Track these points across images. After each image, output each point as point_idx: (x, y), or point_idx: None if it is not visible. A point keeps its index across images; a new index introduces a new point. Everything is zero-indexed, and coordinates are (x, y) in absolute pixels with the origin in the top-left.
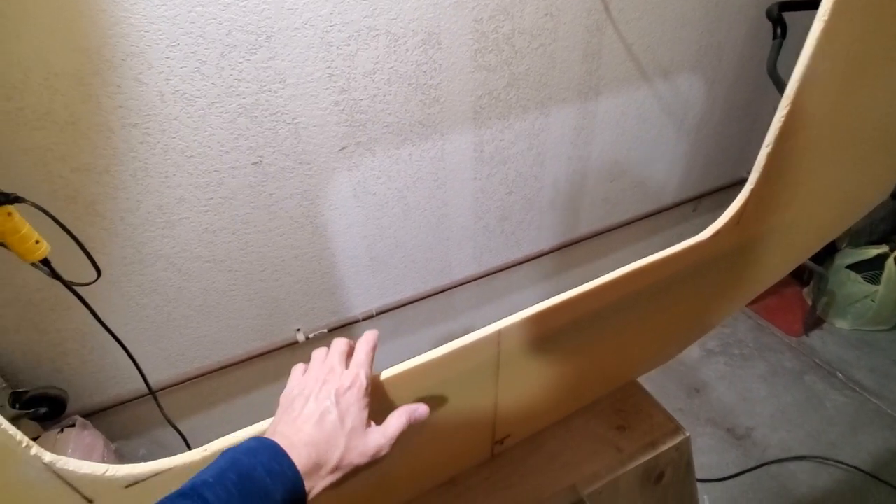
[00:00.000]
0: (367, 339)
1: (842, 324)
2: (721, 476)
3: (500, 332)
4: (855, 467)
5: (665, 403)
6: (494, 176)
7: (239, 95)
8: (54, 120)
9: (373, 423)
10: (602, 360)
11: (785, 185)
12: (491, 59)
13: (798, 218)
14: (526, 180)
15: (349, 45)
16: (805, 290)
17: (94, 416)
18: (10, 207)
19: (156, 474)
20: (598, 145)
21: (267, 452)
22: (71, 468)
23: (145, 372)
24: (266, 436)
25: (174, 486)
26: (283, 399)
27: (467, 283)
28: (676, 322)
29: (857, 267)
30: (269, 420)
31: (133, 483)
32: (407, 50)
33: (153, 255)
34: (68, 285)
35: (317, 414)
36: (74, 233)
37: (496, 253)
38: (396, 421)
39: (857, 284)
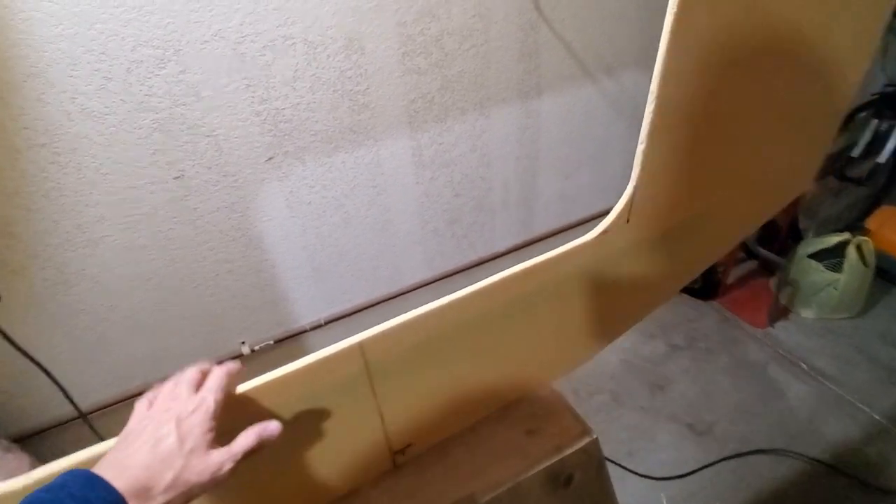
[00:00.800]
0: (224, 366)
1: (807, 313)
2: (679, 473)
3: (361, 344)
4: (814, 458)
5: (628, 402)
6: (438, 179)
7: (151, 111)
8: None
9: (219, 446)
10: (503, 365)
11: (674, 182)
12: (420, 62)
13: (712, 211)
14: (473, 182)
15: (264, 55)
16: (771, 281)
17: (26, 440)
18: None
19: None
20: (546, 143)
21: (77, 482)
22: None
23: (82, 393)
24: (93, 467)
25: None
26: (122, 433)
27: (420, 287)
28: (584, 322)
29: (819, 255)
30: (102, 445)
31: None
32: (328, 56)
33: (76, 274)
34: None
35: (153, 439)
36: None
37: (448, 257)
38: (244, 440)
39: (819, 273)
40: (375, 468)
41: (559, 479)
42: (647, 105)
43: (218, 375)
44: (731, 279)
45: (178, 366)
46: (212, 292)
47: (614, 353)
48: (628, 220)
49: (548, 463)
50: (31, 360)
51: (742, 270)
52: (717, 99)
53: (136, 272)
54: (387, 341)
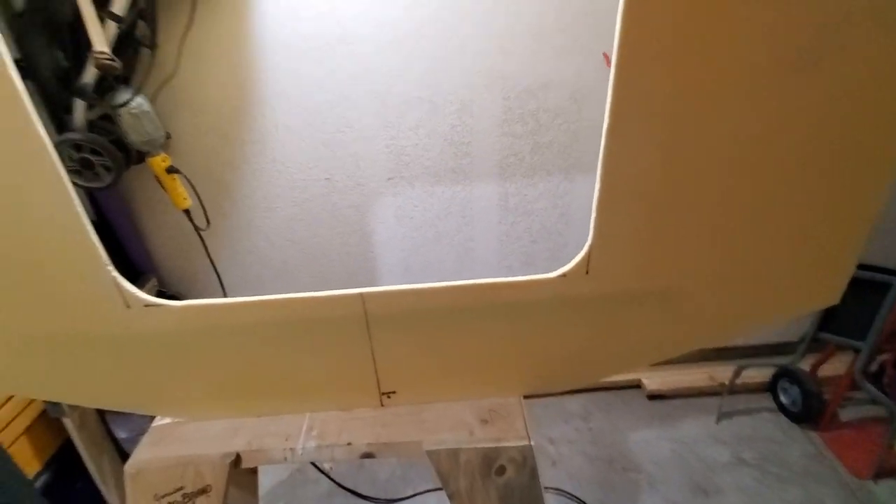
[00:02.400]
0: None
1: None
2: None
3: (362, 295)
4: None
5: (662, 491)
6: (519, 224)
7: (322, 133)
8: (245, 140)
9: None
10: (477, 360)
11: (630, 248)
12: (517, 128)
13: (686, 290)
14: (550, 234)
15: (400, 107)
16: (890, 430)
17: None
18: (175, 175)
19: (159, 305)
20: None
21: None
22: (128, 287)
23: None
24: None
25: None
26: None
27: None
28: (546, 352)
29: None
30: None
31: (149, 305)
32: (444, 114)
33: (256, 229)
34: (196, 228)
35: None
36: (209, 203)
37: None
38: None
39: None
40: (367, 399)
41: (493, 465)
42: (597, 176)
43: None
44: (846, 412)
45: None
46: (332, 263)
47: (667, 440)
48: (587, 272)
49: (485, 445)
50: (219, 277)
51: (861, 405)
52: (673, 170)
53: (290, 237)
54: (386, 299)
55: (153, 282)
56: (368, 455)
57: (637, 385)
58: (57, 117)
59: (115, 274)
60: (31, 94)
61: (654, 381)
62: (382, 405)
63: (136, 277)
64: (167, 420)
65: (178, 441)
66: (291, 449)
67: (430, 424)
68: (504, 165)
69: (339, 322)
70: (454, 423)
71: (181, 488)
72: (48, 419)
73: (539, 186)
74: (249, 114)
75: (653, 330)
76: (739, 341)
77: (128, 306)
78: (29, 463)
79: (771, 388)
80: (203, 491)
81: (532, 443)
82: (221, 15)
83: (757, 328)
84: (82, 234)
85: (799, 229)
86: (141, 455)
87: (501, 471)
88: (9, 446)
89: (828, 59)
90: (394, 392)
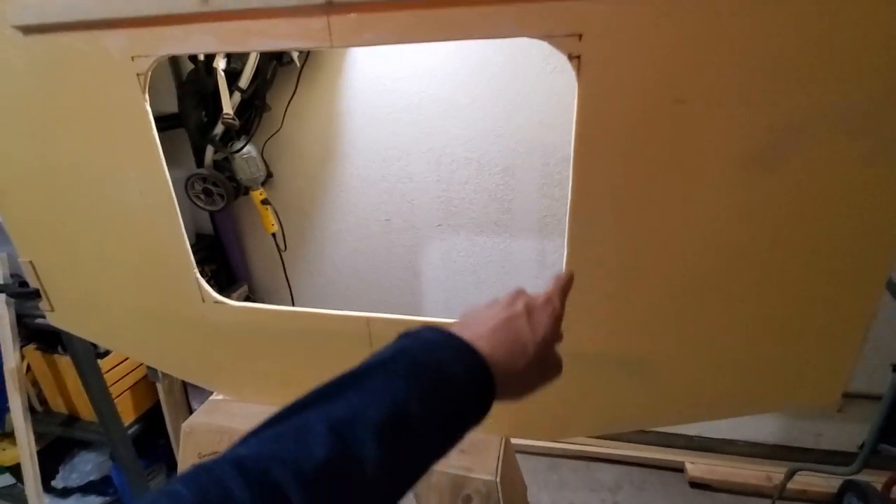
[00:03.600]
0: (562, 275)
1: None
2: None
3: (368, 319)
4: None
5: None
6: None
7: (386, 181)
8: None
9: None
10: None
11: (598, 313)
12: (555, 191)
13: (660, 362)
14: None
15: (451, 165)
16: None
17: None
18: (268, 206)
19: (223, 303)
20: None
21: (450, 348)
22: (204, 286)
23: None
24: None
25: (244, 317)
26: (462, 312)
27: None
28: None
29: None
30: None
31: (217, 301)
32: (490, 174)
33: (327, 256)
34: (278, 246)
35: (504, 315)
36: (293, 232)
37: None
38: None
39: None
40: None
41: (460, 493)
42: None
43: (561, 283)
44: None
45: None
46: (385, 294)
47: None
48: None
49: (455, 472)
50: (290, 293)
51: None
52: (636, 248)
53: (352, 266)
54: (388, 325)
55: (244, 288)
56: None
57: (679, 468)
58: (197, 157)
59: (198, 275)
60: (182, 140)
61: (699, 466)
62: None
63: (232, 283)
64: (220, 396)
65: (224, 414)
66: None
67: None
68: (542, 224)
69: (349, 338)
70: None
71: (216, 452)
72: (147, 382)
73: None
74: (331, 162)
75: (627, 396)
76: (808, 442)
77: (203, 300)
78: (127, 414)
79: (836, 502)
80: None
81: (498, 479)
82: (318, 88)
83: (750, 412)
84: (181, 244)
85: (776, 321)
86: (195, 419)
87: (468, 500)
88: (116, 397)
89: (793, 160)
90: None
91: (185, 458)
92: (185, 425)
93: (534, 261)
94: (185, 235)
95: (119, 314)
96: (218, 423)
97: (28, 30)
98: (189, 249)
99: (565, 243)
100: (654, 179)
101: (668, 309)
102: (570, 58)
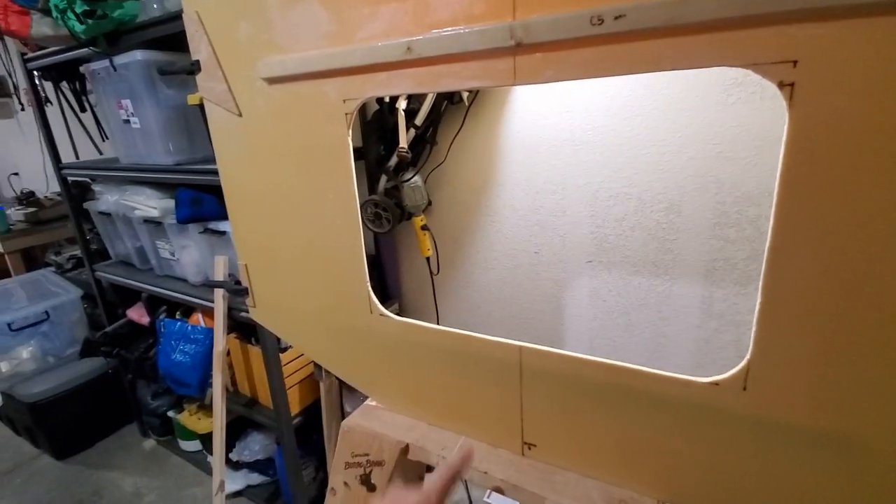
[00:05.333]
0: (454, 458)
1: None
2: None
3: (521, 348)
4: None
5: None
6: (723, 333)
7: (538, 214)
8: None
9: None
10: (617, 444)
11: (799, 375)
12: (730, 233)
13: (872, 444)
14: None
15: (608, 201)
16: None
17: None
18: (426, 231)
19: (387, 316)
20: None
21: None
22: (374, 299)
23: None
24: None
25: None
26: None
27: None
28: (688, 463)
29: None
30: None
31: (382, 314)
32: (651, 211)
33: (474, 282)
34: (431, 270)
35: None
36: (446, 256)
37: None
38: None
39: None
40: (507, 442)
41: None
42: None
43: (449, 472)
44: None
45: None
46: (527, 326)
47: None
48: (745, 388)
49: None
50: (437, 314)
51: None
52: (850, 297)
53: (498, 295)
54: (541, 357)
55: (395, 306)
56: (498, 489)
57: None
58: (370, 185)
59: (369, 289)
60: (361, 171)
61: None
62: (523, 454)
63: (386, 299)
64: (374, 403)
65: (377, 420)
66: (443, 456)
67: (559, 486)
68: (711, 269)
69: (498, 364)
70: (579, 495)
71: (367, 454)
72: (312, 380)
73: (753, 297)
74: (488, 193)
75: (821, 481)
76: None
77: (371, 312)
78: (293, 406)
79: None
80: (379, 463)
81: None
82: (483, 124)
83: None
84: (360, 260)
85: None
86: (352, 420)
87: None
88: (288, 388)
89: None
90: (535, 445)
91: (340, 454)
92: (344, 423)
93: (696, 308)
94: (364, 253)
95: (303, 316)
96: (371, 427)
97: (271, 80)
98: (365, 266)
99: (759, 292)
100: (879, 227)
101: (885, 377)
102: (782, 86)
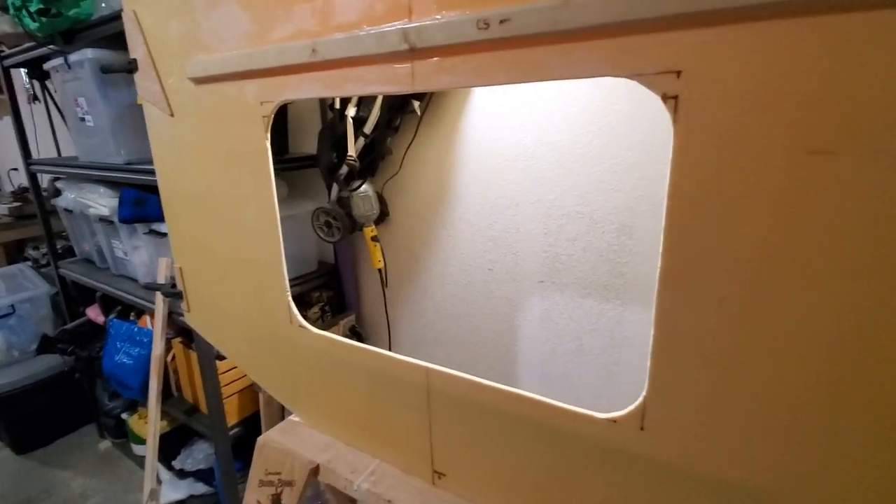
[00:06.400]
0: None
1: None
2: None
3: (427, 369)
4: None
5: None
6: None
7: (492, 230)
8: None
9: None
10: (524, 477)
11: (695, 420)
12: None
13: (778, 494)
14: None
15: (561, 219)
16: None
17: None
18: (377, 243)
19: (305, 327)
20: None
21: None
22: (293, 309)
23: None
24: None
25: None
26: None
27: None
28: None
29: None
30: None
31: (301, 325)
32: (603, 232)
33: (429, 297)
34: (382, 282)
35: None
36: (400, 270)
37: None
38: None
39: None
40: (417, 468)
41: None
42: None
43: None
44: None
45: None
46: (480, 343)
47: None
48: (642, 428)
49: None
50: (388, 328)
51: None
52: (745, 332)
53: (451, 311)
54: (446, 380)
55: (351, 318)
56: None
57: None
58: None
59: (289, 299)
60: (317, 177)
61: None
62: (434, 483)
63: (342, 310)
64: (296, 418)
65: (294, 436)
66: (350, 481)
67: None
68: None
69: (408, 386)
70: None
71: (279, 473)
72: (252, 390)
73: None
74: (442, 206)
75: None
76: None
77: (291, 322)
78: (231, 417)
79: None
80: (289, 483)
81: None
82: (438, 135)
83: None
84: (279, 268)
85: None
86: (269, 436)
87: None
88: (225, 397)
89: None
90: (444, 474)
91: (255, 473)
92: (260, 439)
93: (648, 333)
94: (284, 261)
95: (231, 323)
96: (286, 445)
97: (198, 81)
98: (285, 274)
99: (652, 324)
100: (777, 253)
101: (792, 424)
102: (665, 98)
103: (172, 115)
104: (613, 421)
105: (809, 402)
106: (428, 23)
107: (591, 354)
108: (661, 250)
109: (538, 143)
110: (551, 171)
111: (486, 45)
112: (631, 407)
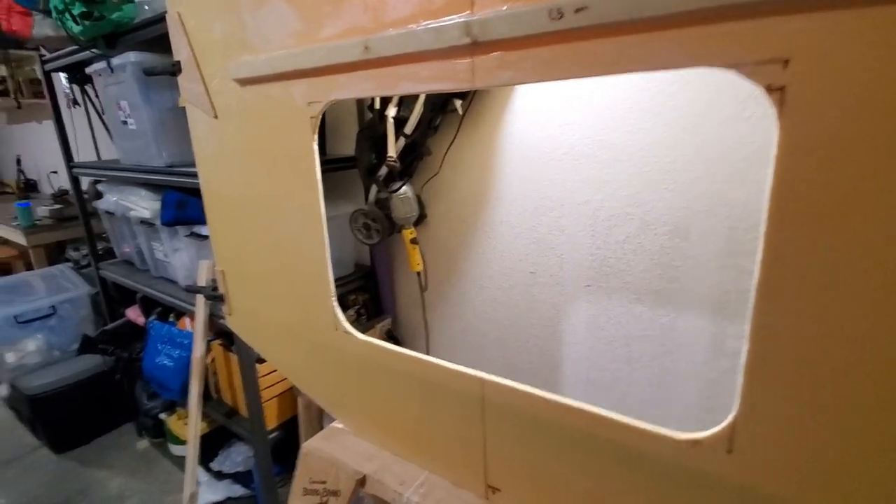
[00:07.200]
0: None
1: None
2: None
3: (483, 380)
4: None
5: None
6: (736, 375)
7: (535, 232)
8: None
9: None
10: (588, 497)
11: (796, 442)
12: (745, 262)
13: None
14: None
15: (609, 220)
16: None
17: None
18: (416, 245)
19: (350, 333)
20: None
21: None
22: (339, 314)
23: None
24: None
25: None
26: None
27: None
28: None
29: None
30: None
31: (346, 331)
32: (655, 234)
33: (468, 301)
34: (420, 285)
35: None
36: (440, 273)
37: None
38: None
39: None
40: (472, 483)
41: None
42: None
43: None
44: None
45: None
46: (521, 350)
47: None
48: (730, 450)
49: None
50: (426, 333)
51: None
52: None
53: (492, 316)
54: (504, 392)
55: (388, 321)
56: None
57: None
58: (366, 195)
59: (335, 303)
60: (355, 179)
61: None
62: (487, 499)
63: (379, 313)
64: (340, 425)
65: (338, 444)
66: (399, 493)
67: None
68: (723, 301)
69: (460, 396)
70: None
71: (325, 482)
72: (292, 394)
73: None
74: (484, 208)
75: None
76: None
77: (336, 328)
78: (270, 420)
79: None
80: (335, 493)
81: None
82: (479, 135)
83: None
84: (325, 272)
85: None
86: (313, 443)
87: None
88: (265, 401)
89: None
90: (499, 490)
91: (299, 481)
92: (304, 446)
93: (706, 344)
94: (330, 265)
95: (273, 328)
96: (331, 453)
97: (243, 82)
98: (331, 278)
99: (746, 333)
100: (888, 268)
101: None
102: (770, 90)
103: (216, 117)
104: (696, 442)
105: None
106: (492, 14)
107: (641, 363)
108: (759, 257)
109: (586, 141)
110: (600, 170)
111: (557, 36)
112: (718, 427)
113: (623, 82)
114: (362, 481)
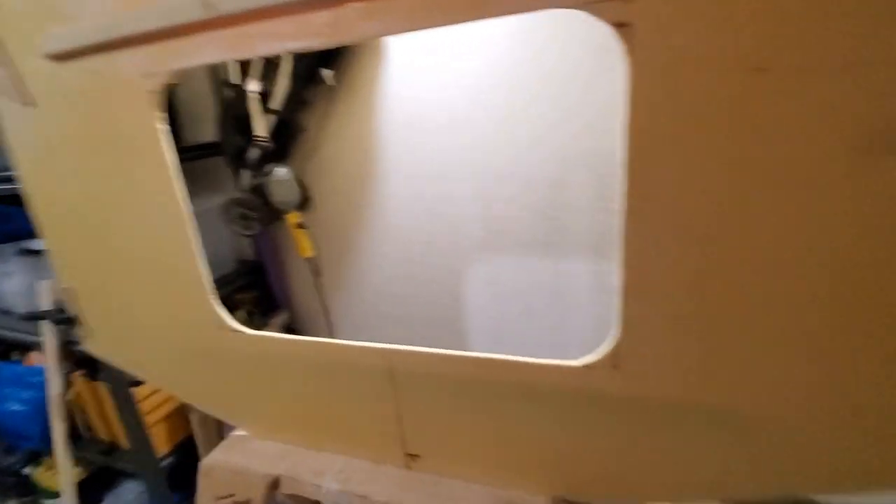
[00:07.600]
0: None
1: None
2: None
3: (389, 351)
4: None
5: None
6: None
7: (424, 201)
8: None
9: None
10: (501, 444)
11: (670, 351)
12: (615, 204)
13: (759, 414)
14: None
15: (494, 181)
16: None
17: None
18: (303, 230)
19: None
20: None
21: None
22: (221, 313)
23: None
24: None
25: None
26: None
27: None
28: (574, 453)
29: None
30: None
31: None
32: (537, 189)
33: (367, 282)
34: (314, 272)
35: None
36: (333, 256)
37: None
38: None
39: None
40: (389, 455)
41: None
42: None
43: None
44: None
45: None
46: (427, 321)
47: None
48: (615, 366)
49: None
50: (327, 319)
51: None
52: (718, 264)
53: (393, 292)
54: (410, 358)
55: (285, 316)
56: None
57: None
58: (237, 183)
59: (214, 302)
60: (221, 166)
61: None
62: (409, 467)
63: (273, 310)
64: (242, 432)
65: (241, 452)
66: (318, 485)
67: (444, 500)
68: (601, 242)
69: (368, 372)
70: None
71: (232, 495)
72: (182, 412)
73: None
74: (369, 183)
75: (712, 456)
76: None
77: (220, 328)
78: (161, 446)
79: None
80: (245, 503)
81: None
82: (356, 105)
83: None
84: (197, 269)
85: None
86: (213, 457)
87: None
88: (150, 427)
89: None
90: (418, 455)
91: (203, 500)
92: (203, 463)
93: (591, 284)
94: (204, 261)
95: (145, 342)
96: (235, 463)
97: (58, 57)
98: (206, 274)
99: (619, 265)
100: (735, 176)
101: (765, 345)
102: (618, 27)
103: (33, 104)
104: (587, 367)
105: (781, 325)
106: None
107: (538, 311)
108: (622, 189)
109: (462, 106)
110: (479, 133)
111: None
112: (602, 349)
113: (499, 39)
114: (275, 483)
